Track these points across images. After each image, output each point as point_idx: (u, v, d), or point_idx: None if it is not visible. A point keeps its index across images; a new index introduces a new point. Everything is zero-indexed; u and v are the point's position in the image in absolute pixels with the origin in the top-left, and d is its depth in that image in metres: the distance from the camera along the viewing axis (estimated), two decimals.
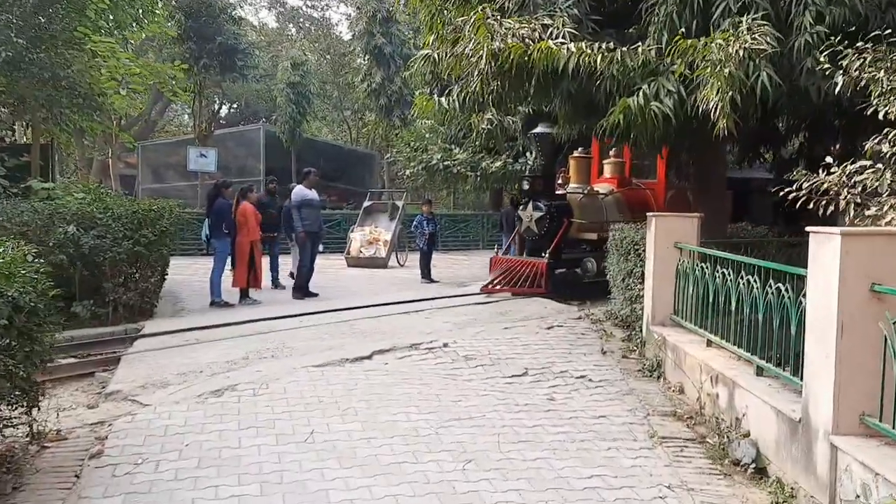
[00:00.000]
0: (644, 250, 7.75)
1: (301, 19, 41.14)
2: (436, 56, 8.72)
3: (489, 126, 10.66)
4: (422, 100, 10.78)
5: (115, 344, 8.42)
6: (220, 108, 32.57)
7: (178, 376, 6.70)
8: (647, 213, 8.13)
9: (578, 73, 7.77)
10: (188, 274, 13.79)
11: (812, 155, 11.91)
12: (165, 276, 11.08)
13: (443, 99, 9.53)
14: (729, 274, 6.00)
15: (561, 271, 11.88)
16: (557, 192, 12.38)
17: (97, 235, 9.16)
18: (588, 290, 12.68)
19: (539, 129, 11.82)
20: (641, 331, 7.87)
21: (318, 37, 38.96)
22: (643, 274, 7.80)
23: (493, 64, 7.85)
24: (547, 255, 11.41)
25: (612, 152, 13.37)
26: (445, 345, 8.03)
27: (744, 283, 5.68)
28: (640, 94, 7.21)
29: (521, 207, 12.32)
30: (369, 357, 7.57)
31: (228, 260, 11.18)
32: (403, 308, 10.58)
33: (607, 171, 13.64)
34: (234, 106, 42.89)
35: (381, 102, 26.75)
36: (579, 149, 12.84)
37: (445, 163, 19.09)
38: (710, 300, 6.33)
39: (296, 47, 30.17)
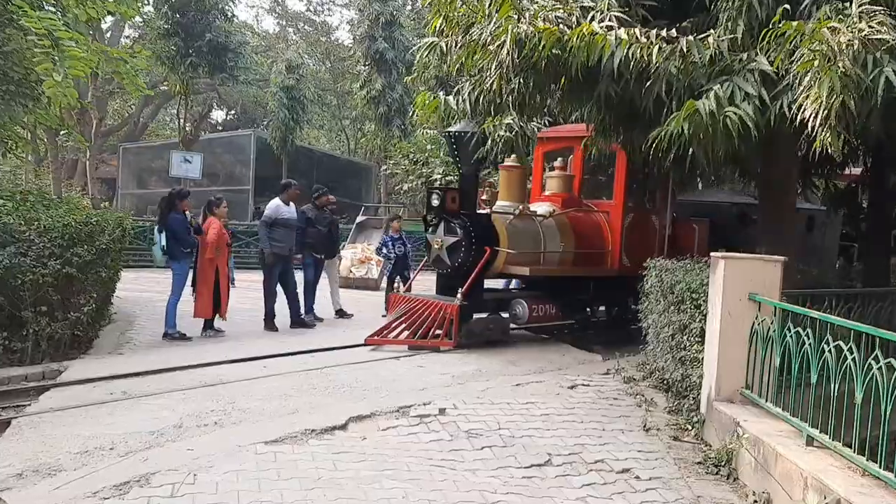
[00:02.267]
0: (705, 301, 6.00)
1: (301, 23, 39.57)
2: (443, 45, 7.02)
3: (508, 133, 8.17)
4: (424, 99, 8.55)
5: (21, 395, 6.62)
6: (208, 111, 30.88)
7: (78, 457, 4.91)
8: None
9: (626, 70, 6.08)
10: (157, 291, 11.92)
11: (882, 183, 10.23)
12: (110, 303, 9.36)
13: (450, 98, 7.78)
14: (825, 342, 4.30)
15: (481, 317, 9.30)
16: (479, 212, 9.53)
17: (16, 253, 7.40)
18: (612, 334, 10.98)
19: (456, 128, 9.23)
20: (698, 405, 6.10)
21: (316, 39, 37.34)
22: (702, 332, 6.05)
23: (517, 54, 6.14)
24: (460, 296, 8.76)
25: (556, 163, 10.99)
26: (442, 411, 6.27)
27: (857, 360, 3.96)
28: (712, 96, 5.49)
29: (429, 230, 9.55)
30: (343, 427, 5.82)
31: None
32: (392, 351, 8.80)
33: (551, 186, 10.96)
34: (232, 112, 41.29)
35: (380, 111, 25.07)
36: (511, 156, 10.18)
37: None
38: (803, 374, 4.61)
39: (292, 49, 28.52)
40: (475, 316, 9.24)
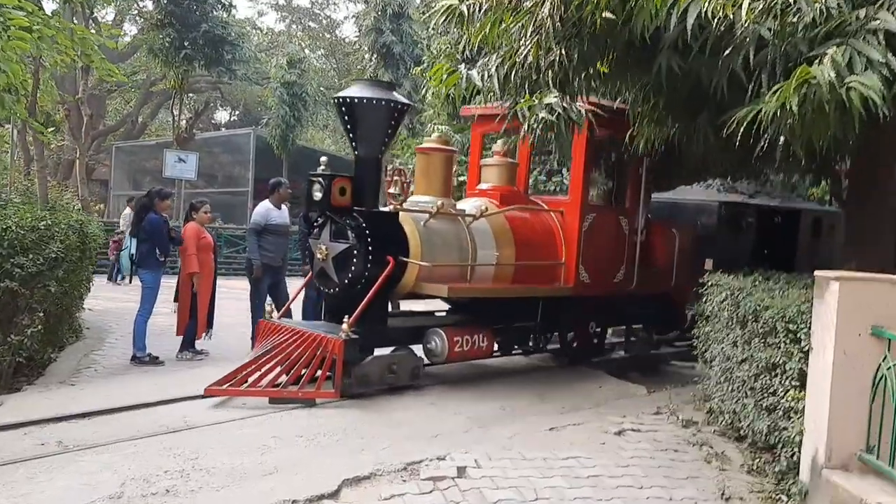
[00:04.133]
0: (807, 334, 4.65)
1: (305, 19, 38.33)
2: (464, 9, 5.69)
3: (549, 116, 5.94)
4: (441, 72, 6.89)
5: None
6: (204, 108, 29.60)
7: None
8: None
9: (698, 36, 4.76)
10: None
11: None
12: (71, 320, 8.09)
13: (474, 73, 6.37)
14: None
15: (385, 353, 6.99)
16: (384, 209, 7.24)
17: None
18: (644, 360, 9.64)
19: (350, 91, 7.01)
20: (795, 468, 4.74)
21: (320, 34, 36.09)
22: (802, 374, 4.69)
23: (562, 13, 4.82)
24: (347, 325, 6.40)
25: (496, 147, 8.75)
26: (462, 471, 4.94)
27: None
28: (828, 62, 4.13)
29: (311, 232, 7.35)
30: (334, 495, 4.49)
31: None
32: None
33: (488, 177, 8.65)
34: (235, 113, 40.09)
35: None
36: (434, 134, 8.17)
37: (461, 178, 15.94)
38: None
39: (294, 43, 27.29)
40: (378, 351, 6.95)
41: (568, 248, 8.24)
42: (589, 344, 9.01)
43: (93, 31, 8.39)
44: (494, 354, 8.03)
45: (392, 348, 7.15)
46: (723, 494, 4.83)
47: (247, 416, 5.96)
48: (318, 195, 6.85)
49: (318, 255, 7.04)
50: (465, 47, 6.69)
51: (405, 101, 6.99)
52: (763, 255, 10.44)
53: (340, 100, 7.06)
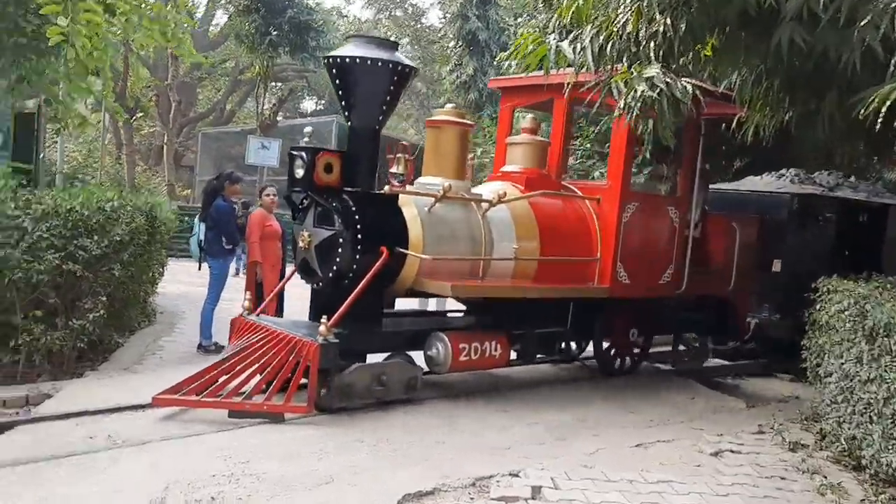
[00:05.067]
0: None
1: (392, 7, 38.22)
2: None
3: (650, 92, 5.16)
4: (528, 42, 5.95)
5: None
6: (288, 95, 29.73)
7: None
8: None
9: (828, 4, 4.10)
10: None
11: None
12: (141, 305, 7.95)
13: (564, 44, 5.72)
14: None
15: (383, 360, 6.03)
16: (384, 191, 6.10)
17: (3, 243, 5.96)
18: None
19: (345, 51, 5.95)
20: None
21: (405, 22, 35.85)
22: None
23: None
24: (324, 328, 5.43)
25: (524, 122, 7.56)
26: (537, 491, 4.42)
27: None
28: None
29: (295, 217, 6.41)
30: None
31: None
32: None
33: (513, 157, 7.46)
34: (322, 101, 40.34)
35: (470, 97, 23.21)
36: (447, 105, 7.06)
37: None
38: None
39: (379, 31, 27.11)
40: (370, 358, 6.00)
41: (604, 241, 7.10)
42: (629, 354, 7.93)
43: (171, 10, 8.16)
44: (512, 363, 7.00)
45: (387, 355, 6.16)
46: None
47: (308, 413, 5.58)
48: (299, 172, 5.82)
49: (301, 243, 6.11)
50: (554, 28, 6.11)
51: (409, 63, 6.11)
52: (843, 256, 9.23)
53: (331, 60, 5.97)
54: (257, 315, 6.33)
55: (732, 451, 5.48)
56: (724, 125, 7.56)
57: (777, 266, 8.87)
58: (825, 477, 5.03)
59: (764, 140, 6.55)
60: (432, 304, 8.74)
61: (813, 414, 6.16)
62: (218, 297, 7.84)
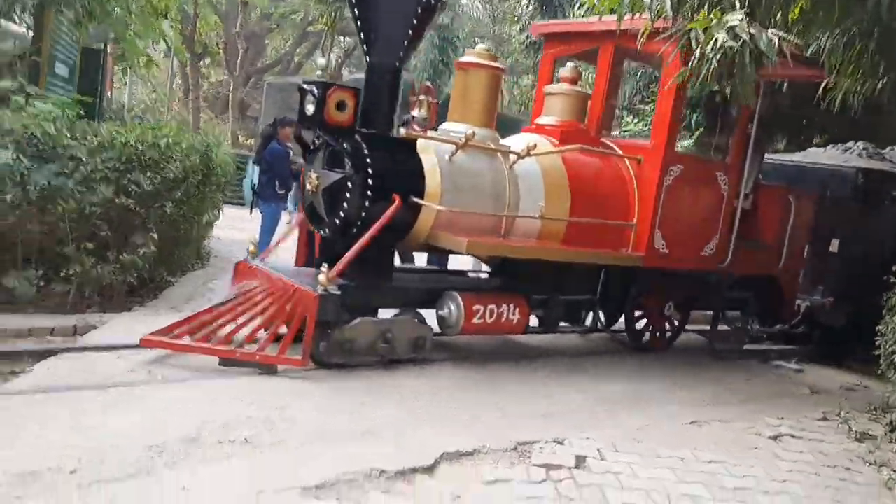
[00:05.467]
0: None
1: None
2: None
3: (731, 41, 4.55)
4: None
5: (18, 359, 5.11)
6: (353, 49, 29.51)
7: (15, 480, 3.25)
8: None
9: None
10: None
11: None
12: (195, 245, 7.95)
13: None
14: None
15: (393, 318, 5.72)
16: (395, 136, 5.68)
17: (57, 173, 5.95)
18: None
19: None
20: None
21: None
22: None
23: None
24: (324, 277, 5.10)
25: (563, 71, 6.89)
26: (581, 461, 4.23)
27: None
28: None
29: (306, 158, 5.94)
30: (430, 470, 3.90)
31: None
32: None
33: (550, 108, 6.84)
34: None
35: (538, 59, 22.72)
36: (479, 46, 6.38)
37: (614, 133, 14.73)
38: None
39: None
40: (381, 313, 5.69)
41: (642, 206, 6.55)
42: (662, 329, 7.48)
43: None
44: (531, 330, 6.49)
45: (397, 311, 5.85)
46: None
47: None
48: (309, 108, 5.34)
49: (308, 186, 5.69)
50: None
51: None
52: None
53: None
54: (261, 260, 5.98)
55: (793, 437, 5.19)
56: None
57: (835, 246, 8.24)
58: (894, 471, 4.71)
59: (853, 109, 6.10)
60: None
61: (884, 404, 5.79)
62: (268, 242, 7.77)
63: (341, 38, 27.58)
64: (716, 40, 4.55)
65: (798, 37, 5.44)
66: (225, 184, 9.09)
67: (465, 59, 6.27)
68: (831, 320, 8.22)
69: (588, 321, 7.17)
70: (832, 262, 8.24)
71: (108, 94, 13.82)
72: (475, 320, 5.75)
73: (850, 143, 9.11)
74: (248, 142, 26.64)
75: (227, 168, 9.08)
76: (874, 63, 5.42)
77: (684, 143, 8.30)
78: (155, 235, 6.50)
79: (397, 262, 6.65)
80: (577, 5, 5.40)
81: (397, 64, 5.58)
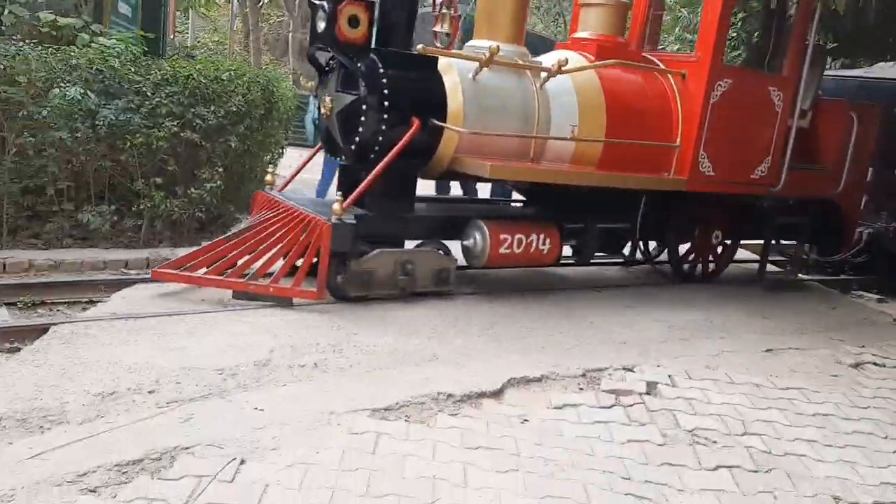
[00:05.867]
0: None
1: None
2: None
3: None
4: None
5: (102, 289, 5.28)
6: None
7: (96, 402, 3.35)
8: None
9: None
10: None
11: None
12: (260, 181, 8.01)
13: None
14: None
15: (414, 248, 5.45)
16: (420, 53, 5.16)
17: (123, 108, 6.02)
18: None
19: None
20: None
21: None
22: None
23: None
24: (337, 206, 4.89)
25: None
26: (652, 387, 4.16)
27: None
28: None
29: (317, 82, 5.86)
30: (497, 394, 3.91)
31: None
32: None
33: (588, 22, 6.31)
34: None
35: None
36: None
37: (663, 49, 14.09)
38: None
39: None
40: (409, 244, 5.49)
41: (686, 125, 6.03)
42: (711, 259, 7.10)
43: None
44: (565, 261, 6.21)
45: (420, 242, 5.57)
46: None
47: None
48: (320, 25, 4.98)
49: (323, 110, 5.40)
50: None
51: None
52: None
53: None
54: (280, 191, 5.82)
55: (876, 364, 5.01)
56: None
57: None
58: None
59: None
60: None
61: None
62: (330, 180, 7.78)
63: None
64: None
65: None
66: (286, 120, 9.11)
67: None
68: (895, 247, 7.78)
69: (627, 251, 6.82)
70: None
71: (171, 36, 13.89)
72: (502, 250, 5.49)
73: None
74: (309, 84, 26.65)
75: (290, 103, 9.08)
76: None
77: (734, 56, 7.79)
78: (221, 170, 6.57)
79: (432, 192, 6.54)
80: None
81: None
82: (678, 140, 6.08)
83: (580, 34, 6.31)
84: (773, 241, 7.54)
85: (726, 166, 6.24)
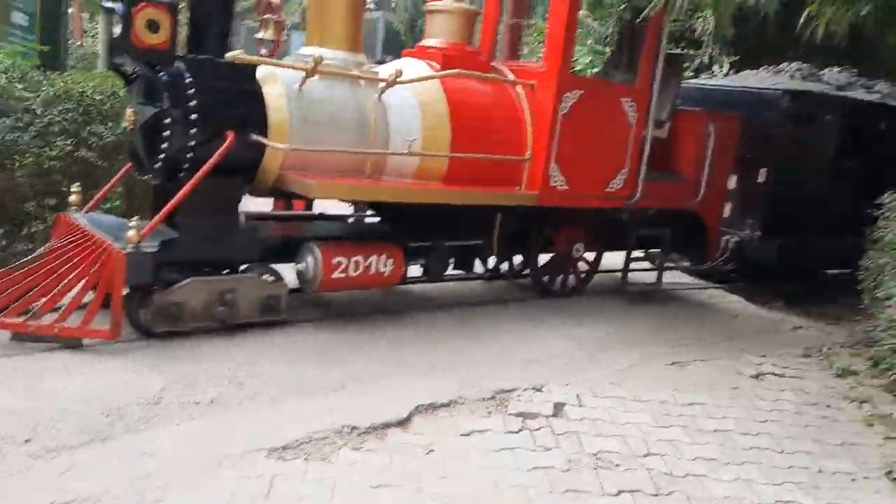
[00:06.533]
0: None
1: None
2: None
3: None
4: None
5: None
6: None
7: None
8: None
9: None
10: None
11: None
12: None
13: None
14: None
15: (235, 275, 4.95)
16: (237, 61, 4.68)
17: (11, 127, 5.69)
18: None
19: None
20: None
21: None
22: None
23: None
24: (134, 232, 4.41)
25: None
26: (559, 408, 4.15)
27: None
28: None
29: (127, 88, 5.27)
30: (403, 423, 3.83)
31: None
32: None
33: (435, 29, 6.05)
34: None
35: None
36: None
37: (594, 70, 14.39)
38: None
39: None
40: (247, 272, 5.00)
41: (536, 138, 5.80)
42: (572, 272, 6.83)
43: None
44: (413, 280, 5.97)
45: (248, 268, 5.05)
46: (889, 473, 3.80)
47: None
48: (116, 30, 4.52)
49: (125, 124, 4.92)
50: None
51: None
52: (847, 168, 7.87)
53: None
54: (85, 213, 5.19)
55: (775, 375, 5.16)
56: None
57: (763, 176, 7.50)
58: (873, 406, 4.68)
59: (837, 41, 5.87)
60: None
61: (867, 339, 5.72)
62: None
63: None
64: None
65: None
66: None
67: None
68: (760, 256, 7.64)
69: (482, 266, 6.52)
70: (760, 193, 7.56)
71: (78, 43, 13.27)
72: (337, 274, 5.09)
73: (783, 65, 8.63)
74: None
75: None
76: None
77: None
78: (120, 189, 6.27)
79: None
80: None
81: None
82: (528, 153, 5.90)
83: (427, 42, 6.03)
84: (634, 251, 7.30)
85: (580, 180, 6.09)
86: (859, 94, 8.47)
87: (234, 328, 4.78)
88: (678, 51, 7.12)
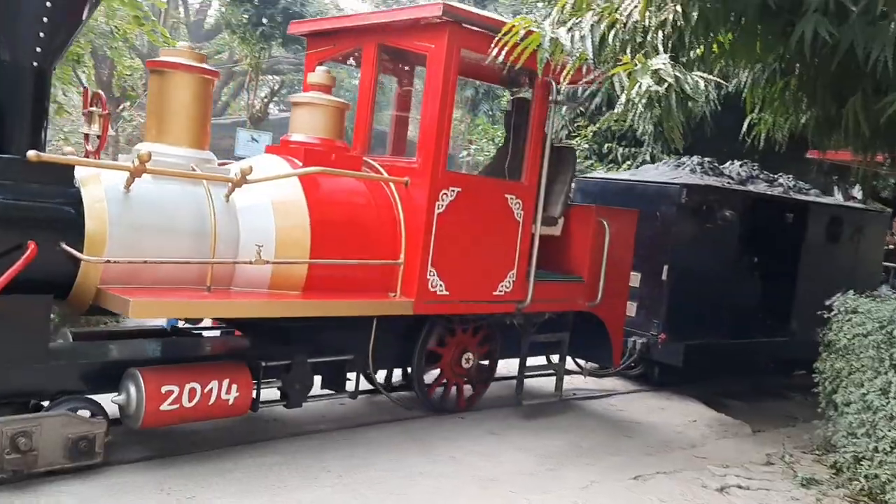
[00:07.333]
0: None
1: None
2: None
3: (656, 86, 4.20)
4: (517, 31, 4.75)
5: None
6: (280, 87, 28.87)
7: None
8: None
9: None
10: None
11: None
12: None
13: (562, 32, 5.01)
14: None
15: (34, 414, 4.15)
16: (47, 160, 4.13)
17: None
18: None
19: None
20: None
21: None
22: None
23: None
24: None
25: (314, 75, 5.69)
26: None
27: None
28: None
29: None
30: None
31: None
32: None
33: (299, 123, 5.52)
34: None
35: (466, 93, 22.71)
36: (180, 43, 5.22)
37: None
38: None
39: None
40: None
41: (410, 239, 5.32)
42: (463, 384, 6.22)
43: None
44: (269, 404, 5.10)
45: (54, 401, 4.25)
46: None
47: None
48: None
49: None
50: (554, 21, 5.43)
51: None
52: (751, 262, 7.99)
53: None
54: None
55: (740, 487, 5.01)
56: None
57: (665, 273, 7.26)
58: None
59: (778, 146, 6.09)
60: None
61: (826, 444, 5.67)
62: None
63: (269, 76, 27.20)
64: (640, 85, 4.37)
65: (719, 74, 5.38)
66: None
67: (161, 58, 4.93)
68: (666, 358, 7.30)
69: (353, 384, 5.65)
70: (664, 291, 7.30)
71: None
72: (166, 406, 4.33)
73: (685, 158, 8.44)
74: None
75: None
76: (798, 98, 5.39)
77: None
78: None
79: None
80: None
81: (35, 63, 4.15)
82: (402, 256, 5.35)
83: (290, 136, 5.52)
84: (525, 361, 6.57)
85: (462, 284, 5.58)
86: (760, 187, 8.48)
87: (32, 477, 3.97)
88: (569, 143, 7.03)
